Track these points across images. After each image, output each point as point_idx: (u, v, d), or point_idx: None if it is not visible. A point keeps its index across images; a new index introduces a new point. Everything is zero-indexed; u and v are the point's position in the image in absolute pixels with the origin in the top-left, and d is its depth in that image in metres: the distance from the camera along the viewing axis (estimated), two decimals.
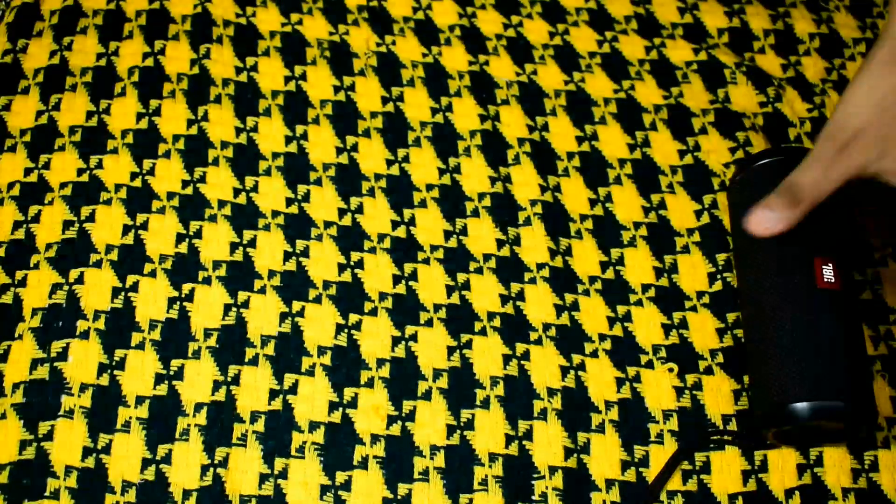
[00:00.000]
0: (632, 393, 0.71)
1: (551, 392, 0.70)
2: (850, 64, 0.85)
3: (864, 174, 0.60)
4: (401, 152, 0.79)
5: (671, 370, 0.72)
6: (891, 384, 0.72)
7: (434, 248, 0.75)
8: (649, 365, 0.72)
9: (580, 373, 0.71)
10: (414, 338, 0.72)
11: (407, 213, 0.76)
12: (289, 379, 0.69)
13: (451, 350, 0.71)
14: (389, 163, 0.78)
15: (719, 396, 0.71)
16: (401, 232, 0.75)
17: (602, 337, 0.73)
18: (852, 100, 0.60)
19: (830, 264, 0.66)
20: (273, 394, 0.69)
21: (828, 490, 0.68)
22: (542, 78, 0.83)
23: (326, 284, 0.73)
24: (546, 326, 0.73)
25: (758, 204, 0.64)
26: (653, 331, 0.73)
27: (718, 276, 0.75)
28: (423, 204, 0.77)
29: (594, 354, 0.72)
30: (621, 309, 0.74)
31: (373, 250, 0.75)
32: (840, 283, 0.66)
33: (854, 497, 0.68)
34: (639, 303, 0.74)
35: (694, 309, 0.74)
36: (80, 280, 0.71)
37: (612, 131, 0.81)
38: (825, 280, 0.65)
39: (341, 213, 0.76)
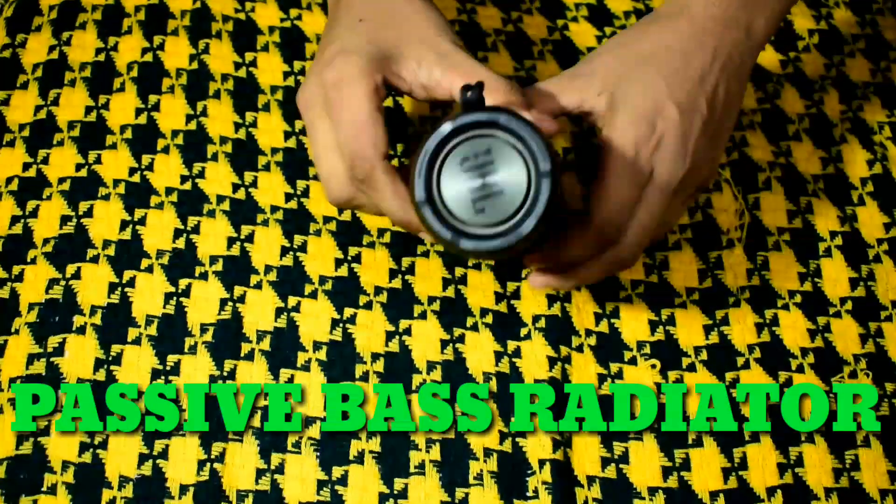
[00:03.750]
0: (612, 391, 0.71)
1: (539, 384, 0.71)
2: (849, 60, 0.85)
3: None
4: (399, 147, 0.79)
5: (654, 367, 0.72)
6: (874, 382, 0.72)
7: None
8: (633, 361, 0.72)
9: (566, 366, 0.71)
10: (408, 331, 0.72)
11: None
12: (284, 374, 0.70)
13: (444, 343, 0.72)
14: (389, 158, 0.78)
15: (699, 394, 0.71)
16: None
17: (588, 332, 0.73)
18: None
19: None
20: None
21: (810, 490, 0.68)
22: (542, 73, 0.83)
23: (323, 280, 0.73)
24: (536, 318, 0.73)
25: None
26: (639, 327, 0.73)
27: (709, 274, 0.75)
28: None
29: (579, 349, 0.72)
30: (609, 305, 0.74)
31: (371, 245, 0.75)
32: None
33: (837, 497, 0.68)
34: (628, 299, 0.74)
35: (683, 306, 0.74)
36: (76, 275, 0.71)
37: None
38: None
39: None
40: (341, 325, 0.71)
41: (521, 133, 0.54)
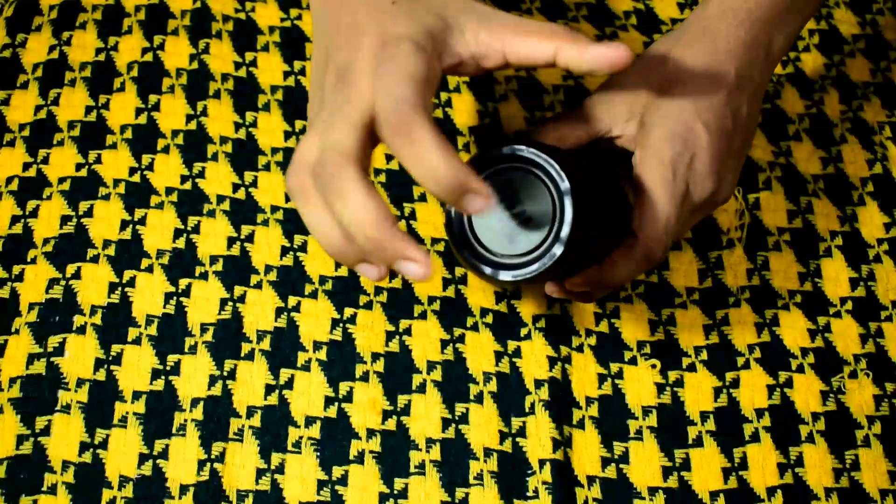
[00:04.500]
0: (613, 389, 0.71)
1: (538, 384, 0.70)
2: (849, 60, 0.85)
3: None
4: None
5: (654, 367, 0.72)
6: (875, 382, 0.72)
7: (435, 240, 0.75)
8: (633, 361, 0.72)
9: (566, 366, 0.71)
10: (408, 331, 0.72)
11: (407, 206, 0.76)
12: (284, 374, 0.70)
13: (444, 343, 0.72)
14: (389, 157, 0.78)
15: (700, 394, 0.71)
16: (401, 226, 0.75)
17: (588, 332, 0.73)
18: None
19: None
20: (269, 389, 0.69)
21: (810, 490, 0.68)
22: (541, 73, 0.83)
23: (323, 280, 0.73)
24: (536, 318, 0.73)
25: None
26: (639, 327, 0.73)
27: (709, 274, 0.75)
28: (422, 198, 0.77)
29: (579, 349, 0.72)
30: (609, 305, 0.74)
31: None
32: None
33: (837, 497, 0.68)
34: (628, 299, 0.74)
35: (683, 306, 0.74)
36: (76, 275, 0.71)
37: None
38: None
39: None
40: (341, 325, 0.71)
41: (532, 159, 0.56)
